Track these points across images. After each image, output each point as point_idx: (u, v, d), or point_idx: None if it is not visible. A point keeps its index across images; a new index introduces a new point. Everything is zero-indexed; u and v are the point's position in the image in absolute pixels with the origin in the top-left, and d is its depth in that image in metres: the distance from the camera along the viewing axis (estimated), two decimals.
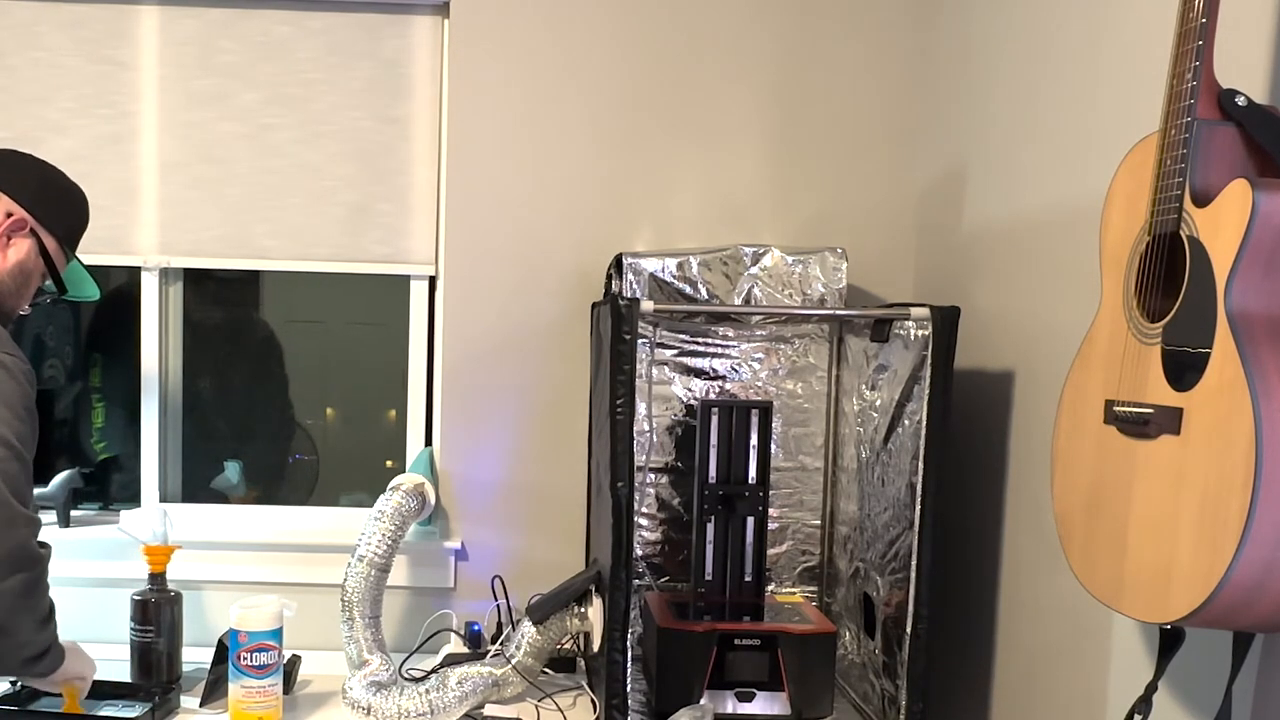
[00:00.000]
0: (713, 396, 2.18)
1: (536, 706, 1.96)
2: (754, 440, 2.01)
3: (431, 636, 2.20)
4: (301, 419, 2.93)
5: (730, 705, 1.84)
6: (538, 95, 2.27)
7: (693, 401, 2.18)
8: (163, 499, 2.40)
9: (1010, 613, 1.82)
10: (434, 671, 1.97)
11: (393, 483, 2.09)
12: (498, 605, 2.22)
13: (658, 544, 2.20)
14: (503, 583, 2.23)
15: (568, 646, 2.13)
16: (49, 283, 1.73)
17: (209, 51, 2.29)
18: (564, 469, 2.30)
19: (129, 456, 2.56)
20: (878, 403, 1.99)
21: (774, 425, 2.18)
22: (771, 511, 2.19)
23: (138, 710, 1.82)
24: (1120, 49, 1.54)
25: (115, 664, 1.97)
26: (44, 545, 1.54)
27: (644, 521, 2.19)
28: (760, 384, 2.20)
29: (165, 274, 2.36)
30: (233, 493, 2.67)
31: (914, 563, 1.78)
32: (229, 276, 2.58)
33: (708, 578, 2.02)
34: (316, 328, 3.04)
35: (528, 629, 1.98)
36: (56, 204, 1.71)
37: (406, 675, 2.01)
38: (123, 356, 2.59)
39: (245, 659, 1.82)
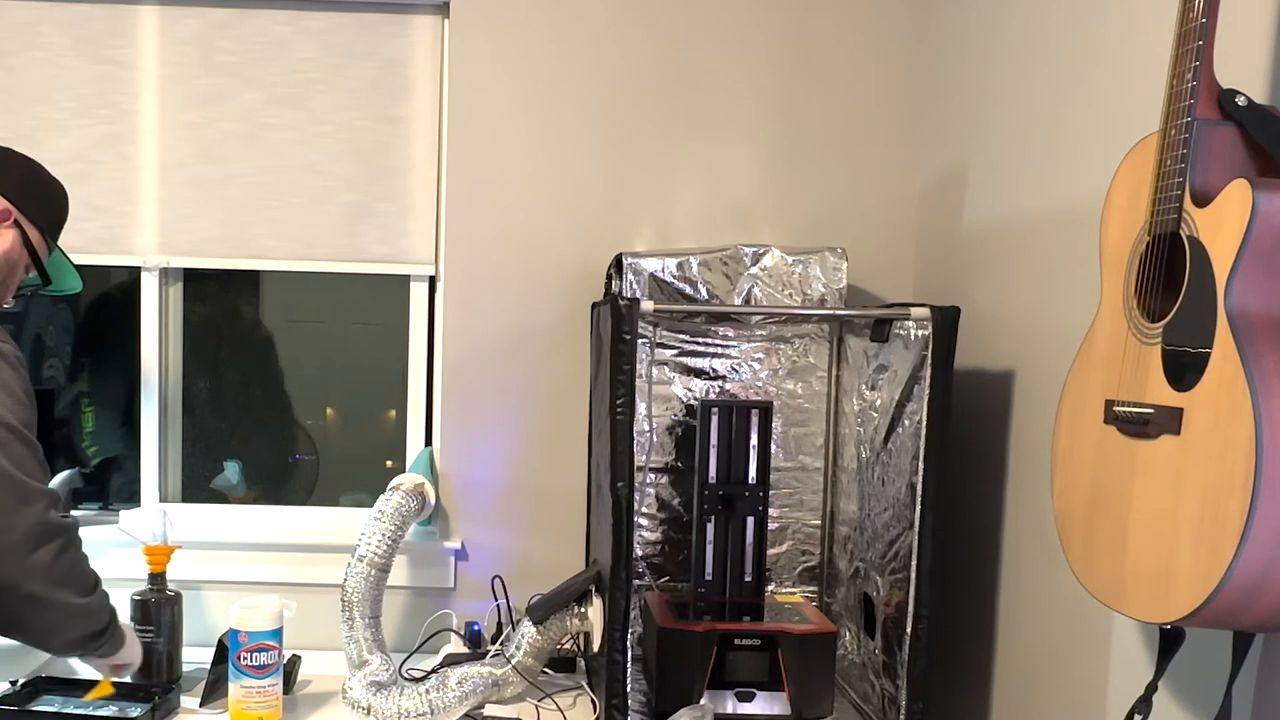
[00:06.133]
0: (713, 396, 2.18)
1: (536, 706, 1.96)
2: (754, 440, 2.01)
3: (431, 636, 2.20)
4: (301, 419, 2.93)
5: (730, 705, 1.84)
6: (538, 95, 2.27)
7: (693, 401, 2.18)
8: (162, 499, 2.39)
9: (1010, 613, 1.82)
10: (434, 671, 1.97)
11: (393, 483, 2.09)
12: (498, 605, 2.22)
13: (658, 544, 2.20)
14: (503, 583, 2.23)
15: (568, 646, 2.13)
16: (32, 275, 1.73)
17: (209, 51, 2.29)
18: (564, 469, 2.30)
19: (126, 457, 2.56)
20: (878, 403, 1.99)
21: (774, 425, 2.18)
22: (771, 511, 2.19)
23: (138, 710, 1.82)
24: (1120, 49, 1.54)
25: None
26: (68, 516, 1.55)
27: (644, 521, 2.19)
28: (760, 384, 2.20)
29: (165, 274, 2.36)
30: (233, 493, 2.67)
31: (914, 563, 1.78)
32: (229, 276, 2.58)
33: (708, 578, 2.02)
34: (316, 328, 3.04)
35: (528, 629, 1.98)
36: (39, 196, 1.72)
37: (406, 675, 2.01)
38: (114, 359, 2.59)
39: (245, 659, 1.82)
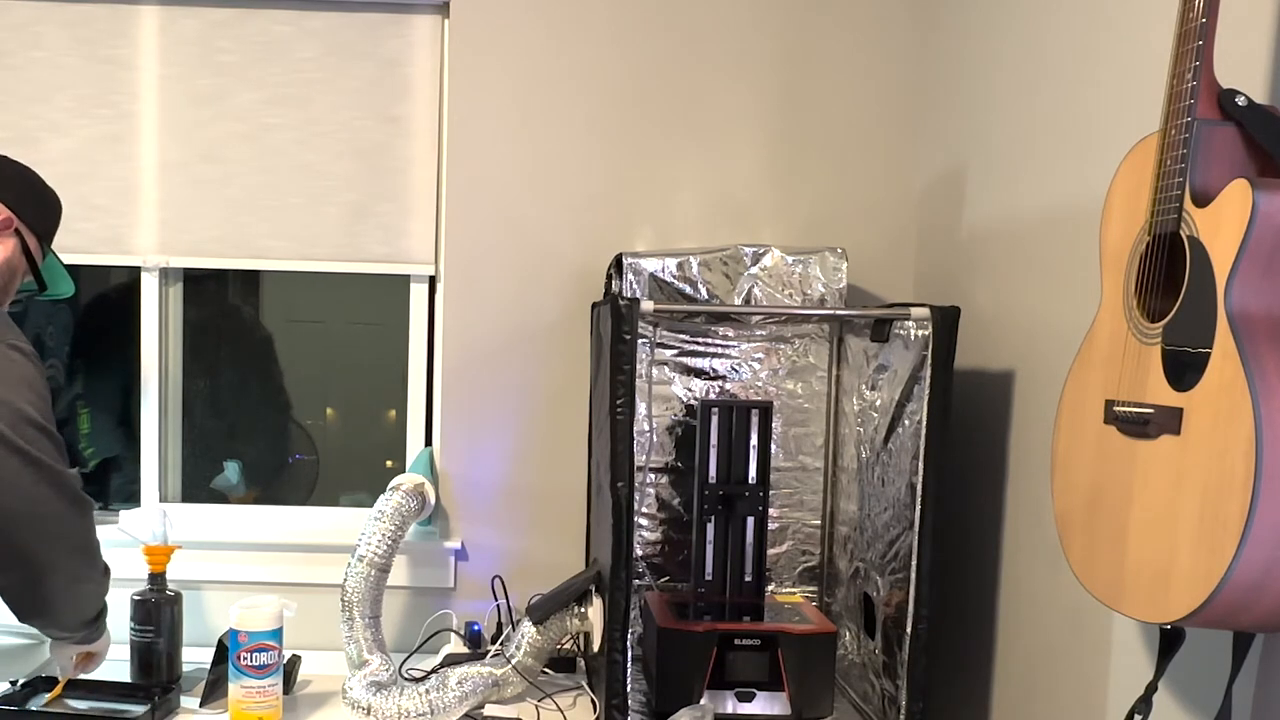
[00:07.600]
0: (713, 396, 2.18)
1: (536, 706, 1.96)
2: (754, 440, 2.01)
3: (431, 636, 2.20)
4: (301, 419, 2.93)
5: (730, 705, 1.84)
6: (538, 95, 2.27)
7: (693, 401, 2.18)
8: (162, 499, 2.39)
9: (1010, 613, 1.82)
10: (434, 671, 1.97)
11: (393, 483, 2.09)
12: (498, 605, 2.22)
13: (658, 544, 2.20)
14: (503, 583, 2.23)
15: (568, 646, 2.13)
16: (28, 280, 1.76)
17: (209, 51, 2.29)
18: (564, 469, 2.30)
19: (125, 458, 2.56)
20: (878, 403, 1.99)
21: (774, 425, 2.18)
22: (771, 511, 2.19)
23: (138, 710, 1.82)
24: (1120, 49, 1.54)
25: (115, 664, 1.97)
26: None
27: (644, 521, 2.19)
28: (760, 384, 2.20)
29: (165, 274, 2.36)
30: (233, 493, 2.67)
31: (914, 563, 1.78)
32: (229, 276, 2.58)
33: (708, 578, 2.02)
34: (316, 328, 3.04)
35: (528, 629, 1.98)
36: (36, 203, 1.76)
37: (406, 675, 2.01)
38: (109, 361, 2.59)
39: (245, 659, 1.82)
